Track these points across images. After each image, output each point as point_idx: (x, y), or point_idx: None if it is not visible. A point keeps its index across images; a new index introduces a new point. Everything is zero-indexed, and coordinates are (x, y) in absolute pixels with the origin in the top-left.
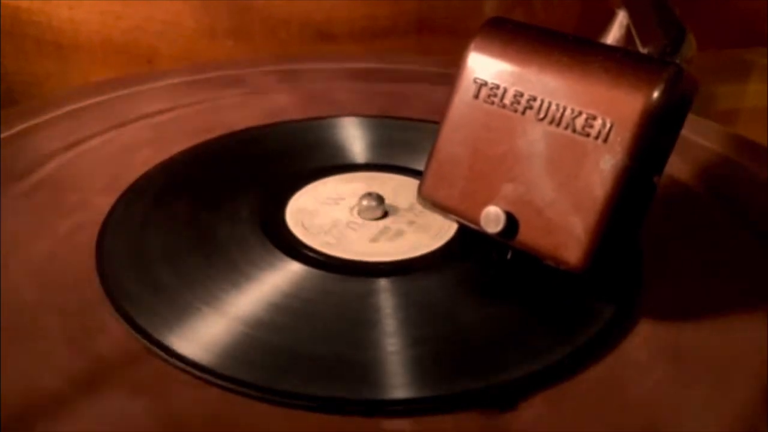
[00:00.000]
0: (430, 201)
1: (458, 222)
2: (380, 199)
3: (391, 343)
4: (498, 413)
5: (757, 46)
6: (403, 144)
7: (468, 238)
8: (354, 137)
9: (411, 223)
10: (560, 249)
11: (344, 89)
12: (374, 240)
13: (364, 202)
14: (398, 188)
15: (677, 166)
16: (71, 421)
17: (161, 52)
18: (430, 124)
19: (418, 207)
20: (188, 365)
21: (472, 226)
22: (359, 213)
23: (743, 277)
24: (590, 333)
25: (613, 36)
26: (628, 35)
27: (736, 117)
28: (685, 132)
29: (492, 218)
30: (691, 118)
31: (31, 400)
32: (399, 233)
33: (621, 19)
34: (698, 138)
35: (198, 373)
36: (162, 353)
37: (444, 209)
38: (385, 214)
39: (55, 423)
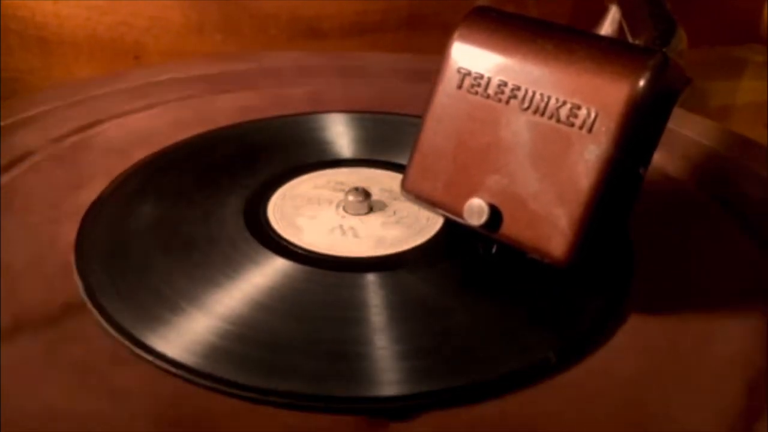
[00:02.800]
0: (413, 194)
1: (442, 215)
2: (366, 194)
3: (379, 339)
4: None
5: (750, 43)
6: (390, 139)
7: (455, 232)
8: (339, 133)
9: (398, 217)
10: (544, 242)
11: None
12: (360, 235)
13: (351, 198)
14: (384, 183)
15: (667, 161)
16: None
17: (148, 47)
18: (417, 119)
19: (405, 201)
20: (171, 365)
21: (456, 218)
22: (345, 208)
23: (734, 270)
24: (580, 328)
25: (605, 32)
26: (620, 31)
27: (729, 114)
28: (674, 127)
29: (475, 210)
30: (680, 113)
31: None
32: (385, 228)
33: (613, 14)
34: (688, 132)
35: (181, 373)
36: (144, 354)
37: (428, 202)
38: (371, 209)
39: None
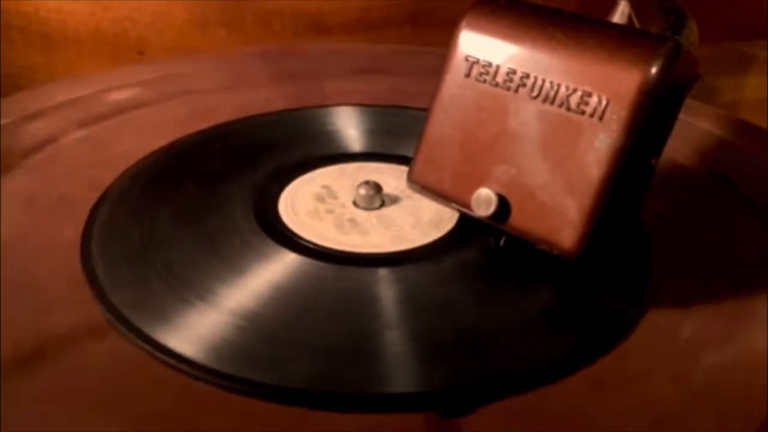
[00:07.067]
0: (420, 185)
1: (450, 207)
2: (378, 187)
3: (390, 335)
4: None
5: (757, 39)
6: (401, 132)
7: (469, 226)
8: (349, 126)
9: (410, 212)
10: (553, 233)
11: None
12: (372, 230)
13: (362, 191)
14: (396, 177)
15: (679, 151)
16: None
17: (152, 43)
18: (424, 112)
19: (418, 195)
20: (180, 361)
21: (464, 210)
22: (356, 202)
23: (750, 259)
24: (599, 323)
25: None
26: (629, 24)
27: (737, 109)
28: (684, 116)
29: (483, 201)
30: (690, 103)
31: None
32: (398, 222)
33: (622, 8)
34: (698, 122)
35: (190, 370)
36: (152, 349)
37: (435, 193)
38: (383, 203)
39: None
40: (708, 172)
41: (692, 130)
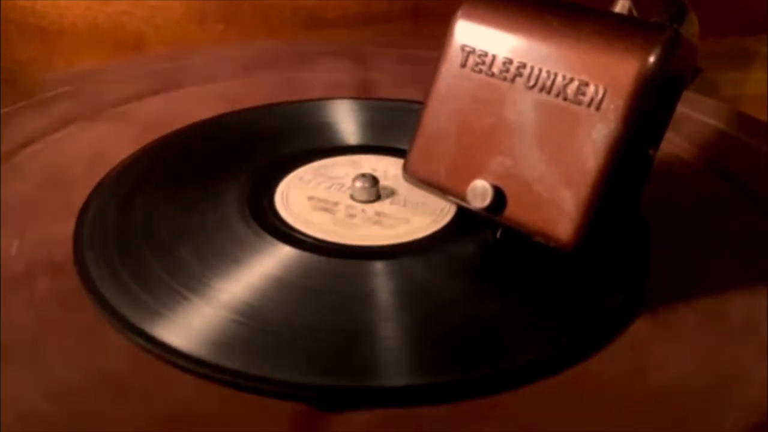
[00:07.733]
0: (415, 177)
1: (446, 199)
2: (374, 180)
3: (386, 329)
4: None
5: (759, 34)
6: (397, 125)
7: (467, 220)
8: (345, 119)
9: (407, 205)
10: (550, 225)
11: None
12: (368, 223)
13: (358, 184)
14: (393, 169)
15: (679, 144)
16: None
17: (149, 37)
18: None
19: (415, 188)
20: (175, 356)
21: (459, 202)
22: (353, 195)
23: (751, 252)
24: (596, 318)
25: None
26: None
27: (738, 104)
28: (684, 109)
29: (479, 192)
30: (689, 96)
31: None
32: (394, 215)
33: (622, 2)
34: (698, 115)
35: (185, 364)
36: (147, 344)
37: (430, 185)
38: (379, 196)
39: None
40: (708, 165)
41: (692, 123)
